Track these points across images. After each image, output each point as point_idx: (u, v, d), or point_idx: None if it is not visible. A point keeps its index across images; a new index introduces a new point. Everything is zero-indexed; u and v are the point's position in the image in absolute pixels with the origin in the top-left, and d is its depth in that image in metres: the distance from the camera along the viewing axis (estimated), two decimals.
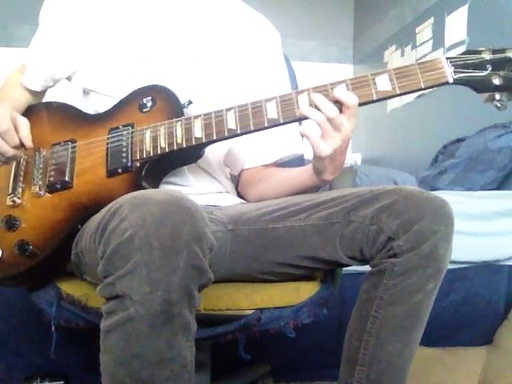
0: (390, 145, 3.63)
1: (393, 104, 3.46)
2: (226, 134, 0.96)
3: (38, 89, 1.20)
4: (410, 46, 3.25)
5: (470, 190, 1.96)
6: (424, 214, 0.90)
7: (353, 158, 3.54)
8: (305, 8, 4.20)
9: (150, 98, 1.03)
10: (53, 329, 1.04)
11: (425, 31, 3.05)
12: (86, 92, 1.19)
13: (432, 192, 0.99)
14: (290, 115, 0.95)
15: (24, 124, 1.03)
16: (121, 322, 0.74)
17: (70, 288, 1.05)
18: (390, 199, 0.93)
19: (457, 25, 2.63)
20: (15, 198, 1.04)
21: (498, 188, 2.00)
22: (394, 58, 3.46)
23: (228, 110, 0.97)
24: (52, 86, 1.22)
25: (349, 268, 1.05)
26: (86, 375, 1.52)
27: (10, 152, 1.02)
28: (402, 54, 3.35)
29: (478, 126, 2.20)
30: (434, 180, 2.14)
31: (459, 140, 2.25)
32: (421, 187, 1.58)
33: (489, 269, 1.73)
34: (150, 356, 0.74)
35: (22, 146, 1.03)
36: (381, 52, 3.70)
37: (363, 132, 3.97)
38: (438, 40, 2.86)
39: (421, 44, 3.09)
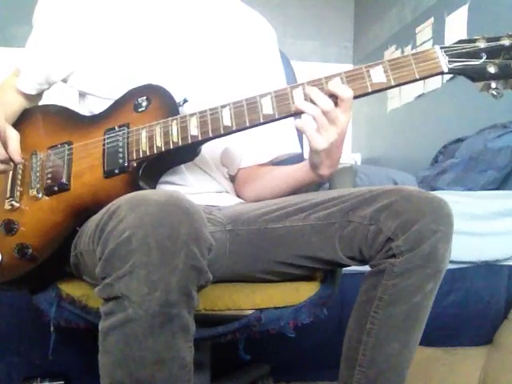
0: (390, 145, 3.63)
1: (393, 104, 3.46)
2: (222, 131, 0.96)
3: (33, 92, 1.19)
4: (410, 46, 3.26)
5: (470, 189, 1.96)
6: (423, 214, 0.90)
7: (353, 158, 3.54)
8: (305, 8, 4.21)
9: (144, 97, 1.03)
10: (51, 329, 1.04)
11: (425, 31, 3.06)
12: (81, 94, 1.18)
13: (432, 192, 0.98)
14: (285, 110, 0.94)
15: (13, 137, 1.01)
16: (119, 323, 0.74)
17: (70, 288, 1.05)
18: (389, 199, 0.93)
19: (457, 25, 2.63)
20: (13, 202, 1.04)
21: (498, 188, 2.00)
22: None
23: (223, 106, 0.96)
24: (47, 88, 1.21)
25: (349, 268, 1.04)
26: (86, 375, 1.52)
27: None
28: (402, 54, 3.35)
29: (478, 126, 2.20)
30: (434, 180, 2.14)
31: (459, 140, 2.25)
32: (421, 187, 1.58)
33: (489, 269, 1.73)
34: (148, 357, 0.74)
35: (10, 160, 1.02)
36: (381, 52, 3.71)
37: (363, 132, 3.97)
38: (437, 40, 2.86)
39: (421, 44, 3.09)
